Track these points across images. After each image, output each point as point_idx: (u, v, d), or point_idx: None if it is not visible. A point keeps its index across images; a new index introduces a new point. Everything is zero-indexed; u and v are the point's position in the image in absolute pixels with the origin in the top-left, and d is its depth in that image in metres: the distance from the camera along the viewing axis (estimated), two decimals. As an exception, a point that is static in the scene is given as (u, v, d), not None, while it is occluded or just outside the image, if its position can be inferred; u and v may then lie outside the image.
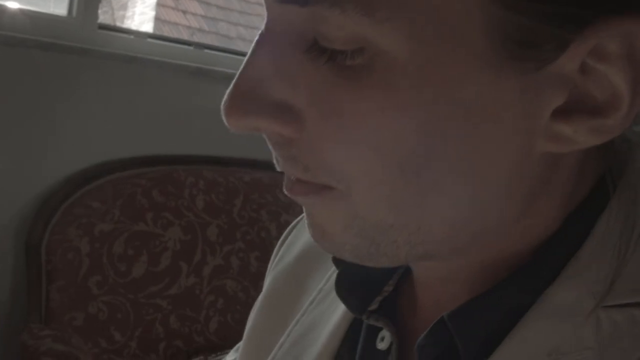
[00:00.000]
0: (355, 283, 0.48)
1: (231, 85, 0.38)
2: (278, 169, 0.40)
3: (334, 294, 0.49)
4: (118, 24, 3.29)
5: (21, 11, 1.85)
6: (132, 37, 2.12)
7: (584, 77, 0.36)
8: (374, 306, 0.47)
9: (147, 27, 3.36)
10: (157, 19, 3.37)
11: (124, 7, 3.41)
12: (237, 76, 0.38)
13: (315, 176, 0.38)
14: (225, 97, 0.38)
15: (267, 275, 0.62)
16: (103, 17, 2.06)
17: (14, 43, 1.77)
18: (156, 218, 1.96)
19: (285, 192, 0.41)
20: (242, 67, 0.38)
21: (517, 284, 0.41)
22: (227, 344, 1.89)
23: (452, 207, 0.38)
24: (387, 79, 0.35)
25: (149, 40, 2.16)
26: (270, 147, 0.40)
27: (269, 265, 0.62)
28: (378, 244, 0.40)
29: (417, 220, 0.38)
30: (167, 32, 3.36)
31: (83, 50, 1.88)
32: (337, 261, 0.48)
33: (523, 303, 0.41)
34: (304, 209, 0.44)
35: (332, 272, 0.54)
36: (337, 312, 0.51)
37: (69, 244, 1.82)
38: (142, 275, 1.92)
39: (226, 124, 0.38)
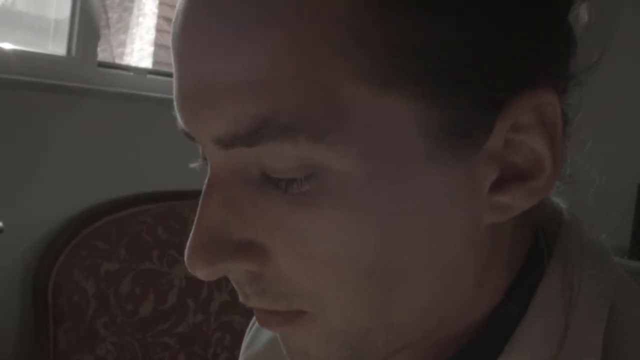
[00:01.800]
0: None
1: (190, 238, 0.39)
2: (248, 305, 0.41)
3: None
4: (117, 61, 3.30)
5: (15, 52, 1.84)
6: (131, 74, 2.12)
7: (509, 149, 0.39)
8: None
9: (147, 62, 3.37)
10: (158, 45, 3.38)
11: (123, 44, 3.42)
12: (193, 228, 0.39)
13: (287, 304, 0.40)
14: (187, 250, 0.38)
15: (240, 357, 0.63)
16: (102, 55, 2.06)
17: (11, 85, 1.76)
18: (161, 255, 1.95)
19: (261, 326, 0.42)
20: (196, 218, 0.39)
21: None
22: (238, 381, 1.87)
23: (421, 297, 0.40)
24: (341, 198, 0.36)
25: (149, 76, 2.16)
26: (237, 286, 0.41)
27: (242, 347, 0.63)
28: (361, 350, 0.41)
29: (391, 316, 0.40)
30: (167, 67, 3.37)
31: (83, 90, 1.88)
32: None
33: None
34: (278, 335, 0.44)
35: None
36: None
37: (75, 286, 1.81)
38: (150, 314, 1.90)
39: (195, 275, 0.39)
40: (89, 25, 1.95)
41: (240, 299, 0.41)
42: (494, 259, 0.43)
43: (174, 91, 0.39)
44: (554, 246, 0.45)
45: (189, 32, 0.37)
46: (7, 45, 1.84)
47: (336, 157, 0.36)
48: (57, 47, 1.98)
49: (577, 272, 0.44)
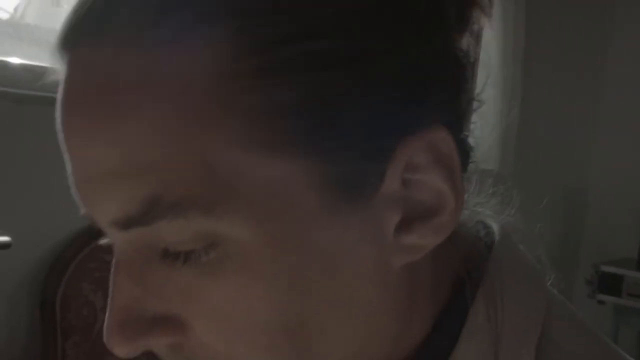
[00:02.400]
0: None
1: (106, 318, 0.39)
2: None
3: None
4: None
5: (23, 67, 1.84)
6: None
7: (408, 189, 0.39)
8: None
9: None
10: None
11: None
12: (108, 308, 0.39)
13: None
14: (104, 330, 0.39)
15: None
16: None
17: (19, 99, 1.77)
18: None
19: None
20: (109, 297, 0.39)
21: None
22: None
23: (344, 347, 0.40)
24: (243, 264, 0.37)
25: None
26: (162, 358, 0.41)
27: None
28: None
29: None
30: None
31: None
32: None
33: None
34: None
35: None
36: None
37: (84, 299, 1.81)
38: (158, 327, 1.90)
39: (115, 353, 0.39)
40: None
41: None
42: (417, 295, 0.43)
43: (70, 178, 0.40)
44: (484, 271, 0.45)
45: (68, 124, 0.39)
46: (16, 60, 1.85)
47: (229, 227, 0.36)
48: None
49: (501, 296, 0.44)
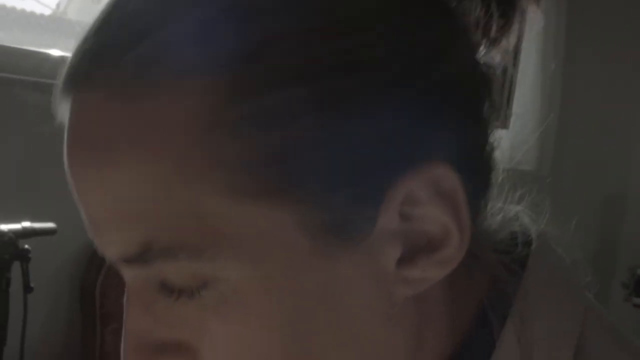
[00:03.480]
0: None
1: (122, 342, 0.41)
2: None
3: None
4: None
5: (64, 59, 1.87)
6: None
7: (409, 224, 0.38)
8: None
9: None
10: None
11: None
12: (123, 332, 0.41)
13: None
14: (122, 353, 0.41)
15: None
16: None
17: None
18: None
19: None
20: (124, 322, 0.42)
21: None
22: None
23: None
24: (239, 304, 0.37)
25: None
26: None
27: None
28: None
29: None
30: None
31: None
32: None
33: None
34: None
35: None
36: None
37: (122, 288, 1.83)
38: (194, 317, 1.92)
39: None
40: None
41: None
42: (429, 325, 0.42)
43: None
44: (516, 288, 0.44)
45: (69, 166, 0.40)
46: (56, 52, 1.88)
47: (220, 269, 0.37)
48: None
49: (535, 313, 0.43)
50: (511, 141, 0.45)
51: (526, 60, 2.72)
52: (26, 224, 1.36)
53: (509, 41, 0.44)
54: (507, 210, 0.46)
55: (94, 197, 0.39)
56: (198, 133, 0.36)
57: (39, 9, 2.04)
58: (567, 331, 0.43)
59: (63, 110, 0.40)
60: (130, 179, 0.37)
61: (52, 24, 2.07)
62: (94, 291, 1.81)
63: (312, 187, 0.36)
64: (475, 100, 0.42)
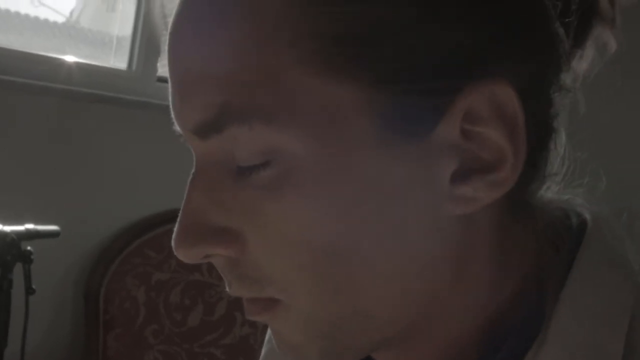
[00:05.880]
0: None
1: (177, 222, 0.42)
2: (231, 293, 0.44)
3: None
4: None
5: (78, 65, 1.89)
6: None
7: (467, 141, 0.39)
8: None
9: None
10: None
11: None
12: (180, 213, 0.42)
13: (259, 290, 0.42)
14: (174, 233, 0.42)
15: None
16: (161, 70, 2.11)
17: (73, 96, 1.82)
18: (211, 268, 1.96)
19: (247, 316, 0.44)
20: (182, 204, 0.42)
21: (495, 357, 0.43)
22: (281, 395, 1.86)
23: (390, 287, 0.41)
24: (297, 181, 0.39)
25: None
26: (221, 273, 0.44)
27: (265, 340, 0.64)
28: (337, 340, 0.42)
29: (360, 306, 0.41)
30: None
31: (142, 103, 1.92)
32: None
33: None
34: (269, 328, 0.47)
35: None
36: None
37: (127, 293, 1.85)
38: (198, 325, 1.93)
39: (178, 256, 0.42)
40: (150, 41, 2.00)
41: (226, 287, 0.44)
42: (475, 252, 0.43)
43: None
44: (575, 254, 0.44)
45: (171, 37, 0.42)
46: (71, 58, 1.90)
47: (288, 139, 0.38)
48: (118, 62, 2.04)
49: (597, 281, 0.43)
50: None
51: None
52: (29, 226, 1.37)
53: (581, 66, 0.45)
54: (560, 192, 0.47)
55: (187, 62, 0.41)
56: (291, 5, 0.38)
57: (52, 17, 2.07)
58: (621, 308, 0.43)
59: None
60: (230, 36, 0.39)
61: (65, 31, 2.10)
62: (98, 297, 1.82)
63: (389, 72, 0.38)
64: (549, 37, 0.42)
